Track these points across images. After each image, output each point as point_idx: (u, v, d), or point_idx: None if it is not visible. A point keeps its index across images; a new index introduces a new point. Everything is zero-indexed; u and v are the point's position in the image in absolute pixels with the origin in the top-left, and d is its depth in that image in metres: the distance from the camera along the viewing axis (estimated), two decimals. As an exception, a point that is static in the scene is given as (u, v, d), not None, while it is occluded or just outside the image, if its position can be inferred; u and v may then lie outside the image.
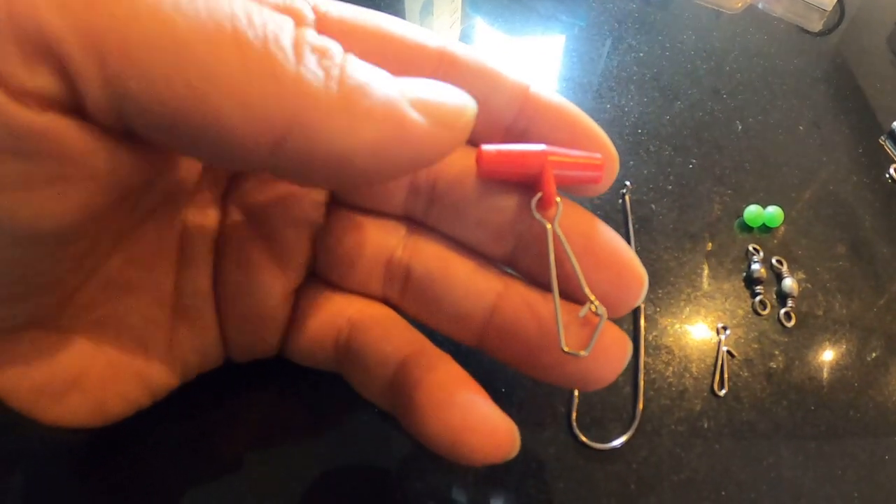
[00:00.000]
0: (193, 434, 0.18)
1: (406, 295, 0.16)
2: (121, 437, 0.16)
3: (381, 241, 0.16)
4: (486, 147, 0.14)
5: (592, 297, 0.14)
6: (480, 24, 0.35)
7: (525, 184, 0.15)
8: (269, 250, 0.16)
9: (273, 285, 0.16)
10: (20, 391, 0.13)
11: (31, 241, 0.11)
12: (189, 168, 0.15)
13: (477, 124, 0.12)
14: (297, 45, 0.10)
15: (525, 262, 0.15)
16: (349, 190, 0.16)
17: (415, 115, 0.11)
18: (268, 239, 0.16)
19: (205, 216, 0.16)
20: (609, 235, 0.15)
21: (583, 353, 0.14)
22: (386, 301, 0.17)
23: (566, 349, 0.14)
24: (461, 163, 0.15)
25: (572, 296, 0.15)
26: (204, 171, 0.16)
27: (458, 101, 0.12)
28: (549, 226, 0.14)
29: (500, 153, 0.14)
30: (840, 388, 0.23)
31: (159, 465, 0.18)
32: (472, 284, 0.15)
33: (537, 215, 0.14)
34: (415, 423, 0.14)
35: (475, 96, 0.12)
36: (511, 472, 0.19)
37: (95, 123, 0.10)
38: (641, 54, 0.34)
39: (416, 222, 0.16)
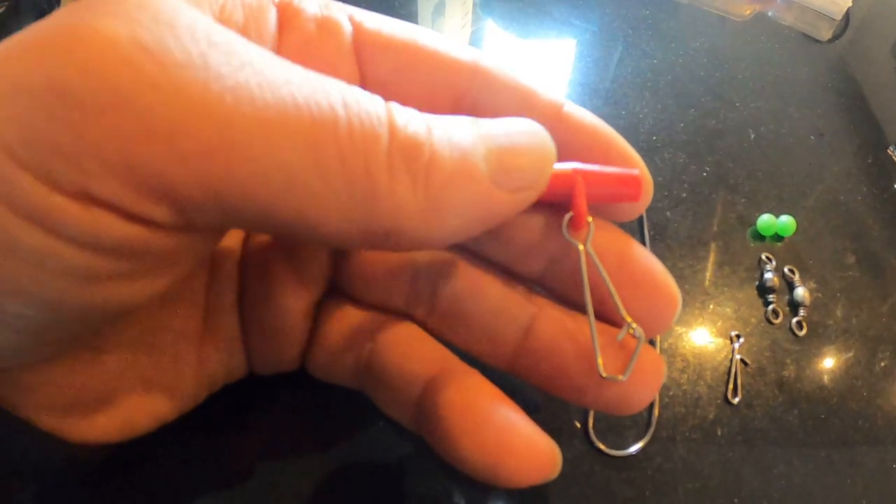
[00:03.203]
0: (205, 445, 0.18)
1: (433, 314, 0.16)
2: (133, 449, 0.16)
3: (404, 259, 0.16)
4: None
5: (630, 320, 0.14)
6: (492, 26, 0.35)
7: (557, 203, 0.14)
8: (290, 264, 0.16)
9: (293, 299, 0.16)
10: (50, 412, 0.13)
11: (117, 317, 0.11)
12: None
13: None
14: (392, 154, 0.10)
15: (557, 282, 0.15)
16: None
17: (499, 192, 0.11)
18: (288, 253, 0.16)
19: (234, 232, 0.16)
20: (643, 255, 0.14)
21: (621, 377, 0.13)
22: (411, 318, 0.16)
23: (604, 374, 0.13)
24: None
25: (605, 317, 0.14)
26: None
27: (539, 146, 0.12)
28: (581, 247, 0.14)
29: None
30: (850, 397, 0.23)
31: (171, 477, 0.18)
32: (504, 305, 0.15)
33: (568, 236, 0.14)
34: (447, 447, 0.13)
35: (503, 112, 0.12)
36: (528, 477, 0.19)
37: (199, 232, 0.11)
38: (655, 60, 0.34)
39: None
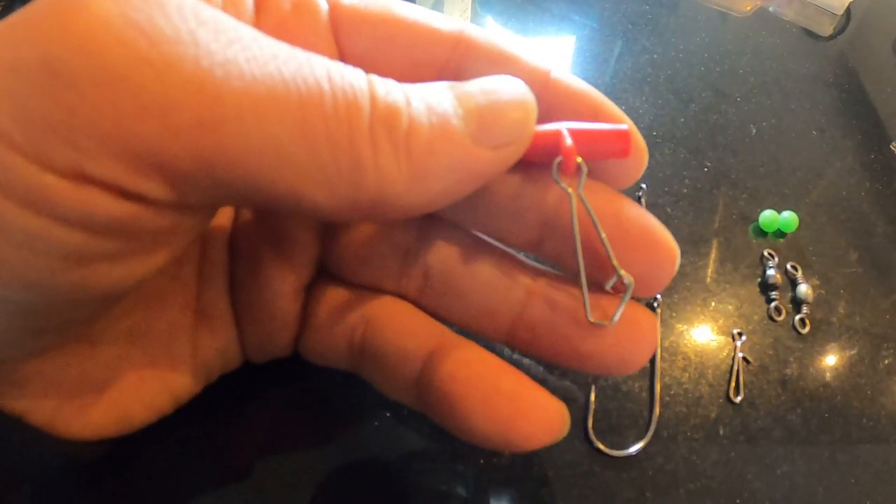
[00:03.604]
0: (201, 440, 0.18)
1: (427, 292, 0.16)
2: (129, 445, 0.16)
3: (394, 234, 0.16)
4: None
5: (619, 267, 0.13)
6: (491, 23, 0.35)
7: (547, 167, 0.14)
8: (278, 247, 0.16)
9: (282, 282, 0.16)
10: (43, 407, 0.13)
11: (107, 300, 0.11)
12: None
13: None
14: (373, 124, 0.10)
15: (552, 247, 0.15)
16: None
17: (481, 150, 0.11)
18: (275, 235, 0.16)
19: (220, 217, 0.16)
20: (638, 211, 0.14)
21: (608, 322, 0.14)
22: (403, 297, 0.16)
23: (592, 319, 0.13)
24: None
25: (602, 272, 0.14)
26: None
27: (519, 100, 0.12)
28: (571, 191, 0.13)
29: None
30: (853, 396, 0.23)
31: (168, 471, 0.17)
32: (499, 278, 0.15)
33: (559, 181, 0.13)
34: (456, 420, 0.13)
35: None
36: (526, 479, 0.19)
37: (190, 209, 0.11)
38: (655, 56, 0.33)
39: (430, 216, 0.16)
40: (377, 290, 0.16)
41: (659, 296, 0.23)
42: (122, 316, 0.14)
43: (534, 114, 0.12)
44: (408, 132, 0.11)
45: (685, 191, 0.27)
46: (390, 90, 0.11)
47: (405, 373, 0.15)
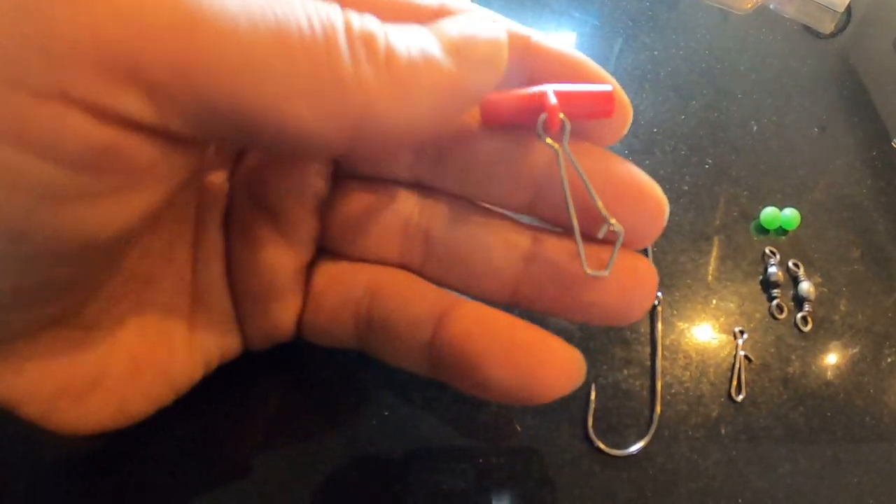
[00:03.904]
0: (198, 437, 0.18)
1: (429, 259, 0.16)
2: (126, 440, 0.15)
3: (392, 207, 0.16)
4: (488, 95, 0.14)
5: (608, 216, 0.14)
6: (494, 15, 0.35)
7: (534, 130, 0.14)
8: (275, 226, 0.15)
9: (281, 261, 0.15)
10: (40, 395, 0.13)
11: (88, 250, 0.11)
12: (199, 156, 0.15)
13: None
14: (351, 43, 0.11)
15: (546, 207, 0.15)
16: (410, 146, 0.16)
17: (460, 72, 0.12)
18: (273, 214, 0.15)
19: (214, 199, 0.16)
20: (625, 164, 0.14)
21: (604, 272, 0.14)
22: (406, 269, 0.16)
23: (589, 271, 0.14)
24: (465, 116, 0.15)
25: (595, 225, 0.14)
26: (213, 154, 0.16)
27: (491, 34, 0.12)
28: (557, 147, 0.14)
29: (501, 96, 0.14)
30: (856, 394, 0.22)
31: (165, 468, 0.17)
32: (501, 237, 0.15)
33: (544, 137, 0.13)
34: (475, 377, 0.14)
35: None
36: (527, 478, 0.19)
37: (170, 136, 0.10)
38: (656, 53, 0.33)
39: (426, 188, 0.16)
40: (380, 263, 0.16)
41: (660, 293, 0.23)
42: (116, 300, 0.14)
43: (505, 39, 0.12)
44: (386, 52, 0.11)
45: (686, 188, 0.27)
46: (366, 19, 0.11)
47: (416, 339, 0.15)
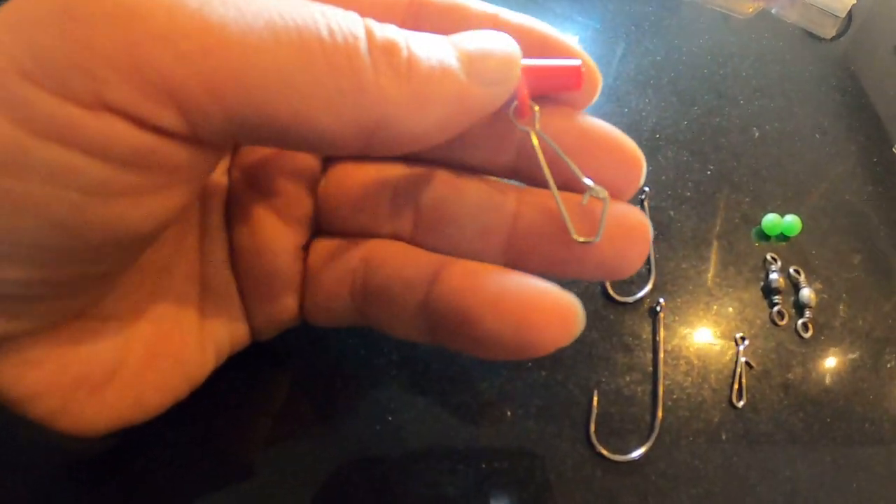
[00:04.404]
0: (202, 440, 0.18)
1: (419, 226, 0.16)
2: (129, 442, 0.16)
3: (381, 179, 0.16)
4: None
5: (588, 182, 0.14)
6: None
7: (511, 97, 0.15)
8: (272, 207, 0.16)
9: (280, 242, 0.16)
10: (57, 388, 0.13)
11: (127, 244, 0.12)
12: None
13: None
14: (373, 51, 0.11)
15: (529, 170, 0.15)
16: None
17: (474, 87, 0.12)
18: (269, 196, 0.16)
19: (215, 185, 0.16)
20: (597, 123, 0.15)
21: (594, 239, 0.14)
22: (397, 239, 0.16)
23: (578, 238, 0.14)
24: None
25: (579, 190, 0.15)
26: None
27: (506, 50, 0.13)
28: (530, 130, 0.14)
29: None
30: (856, 400, 0.23)
31: (168, 472, 0.17)
32: (487, 197, 0.15)
33: (517, 123, 0.14)
34: (469, 332, 0.13)
35: (446, 30, 0.13)
36: (529, 483, 0.19)
37: (202, 142, 0.11)
38: (658, 58, 0.33)
39: (412, 158, 0.16)
40: (373, 237, 0.16)
41: (661, 299, 0.23)
42: (131, 290, 0.14)
43: (518, 58, 0.13)
44: (408, 61, 0.11)
45: (688, 194, 0.27)
46: (387, 28, 0.12)
47: (410, 302, 0.15)
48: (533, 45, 0.14)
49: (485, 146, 0.15)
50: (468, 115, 0.13)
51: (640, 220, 0.15)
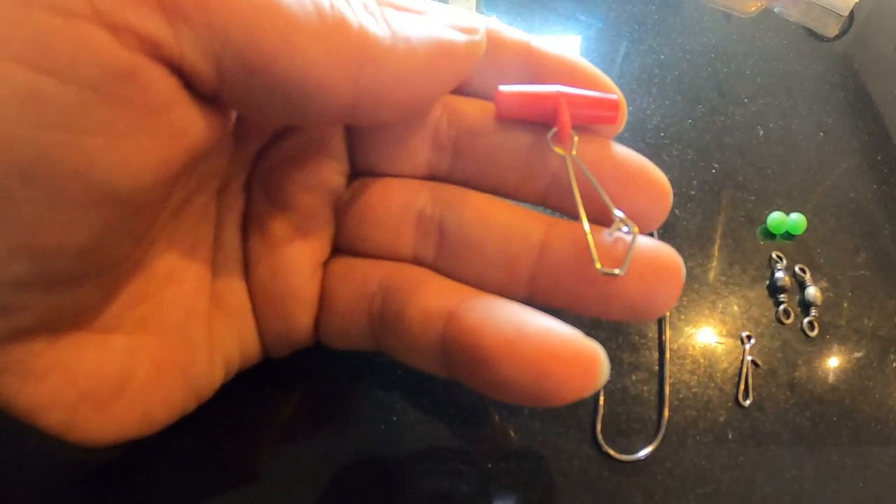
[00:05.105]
0: (206, 447, 0.18)
1: (443, 251, 0.15)
2: (137, 452, 0.15)
3: (407, 198, 0.15)
4: (503, 88, 0.15)
5: (618, 213, 0.14)
6: (495, 22, 0.35)
7: (546, 124, 0.15)
8: (292, 224, 0.15)
9: (298, 260, 0.15)
10: (62, 401, 0.12)
11: (106, 201, 0.10)
12: (220, 152, 0.15)
13: (488, 80, 0.15)
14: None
15: (560, 197, 0.15)
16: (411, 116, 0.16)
17: (449, 32, 0.13)
18: (290, 213, 0.15)
19: (233, 199, 0.16)
20: (629, 153, 0.15)
21: (618, 271, 0.13)
22: (420, 264, 0.16)
23: (602, 269, 0.13)
24: (479, 111, 0.15)
25: (608, 221, 0.14)
26: (233, 153, 0.16)
27: (471, 21, 0.14)
28: (566, 155, 0.15)
29: (517, 92, 0.15)
30: (862, 399, 0.22)
31: (173, 480, 0.17)
32: (514, 225, 0.15)
33: (554, 147, 0.15)
34: (485, 373, 0.12)
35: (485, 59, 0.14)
36: (534, 483, 0.19)
37: (186, 75, 0.11)
38: (662, 57, 0.33)
39: (442, 180, 0.16)
40: (394, 259, 0.16)
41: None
42: (135, 300, 0.14)
43: (484, 30, 0.14)
44: (382, 11, 0.12)
45: (693, 192, 0.27)
46: None
47: (428, 335, 0.14)
48: (566, 75, 0.15)
49: (517, 173, 0.15)
50: (452, 59, 0.13)
51: (674, 260, 0.14)
